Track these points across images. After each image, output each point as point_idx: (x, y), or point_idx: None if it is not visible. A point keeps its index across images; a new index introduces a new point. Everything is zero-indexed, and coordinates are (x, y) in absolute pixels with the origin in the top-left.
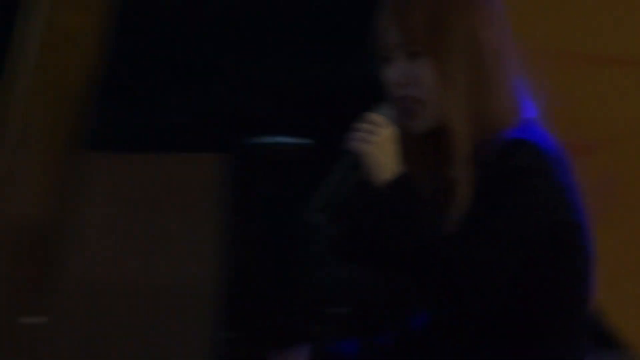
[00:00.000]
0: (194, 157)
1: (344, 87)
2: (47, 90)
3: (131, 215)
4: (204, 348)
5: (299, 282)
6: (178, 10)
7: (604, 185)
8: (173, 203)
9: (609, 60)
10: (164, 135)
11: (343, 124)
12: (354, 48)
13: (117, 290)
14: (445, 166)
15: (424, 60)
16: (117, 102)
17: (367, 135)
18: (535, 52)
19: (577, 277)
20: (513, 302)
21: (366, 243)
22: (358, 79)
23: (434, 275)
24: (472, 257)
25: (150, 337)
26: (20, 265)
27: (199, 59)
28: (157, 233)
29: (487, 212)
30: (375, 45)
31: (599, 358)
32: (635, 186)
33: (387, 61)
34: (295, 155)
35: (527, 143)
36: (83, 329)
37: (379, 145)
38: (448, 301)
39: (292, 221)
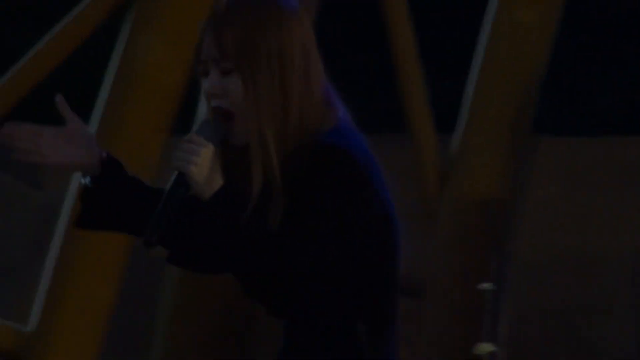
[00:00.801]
0: (631, 140)
1: None
2: (495, 77)
3: (571, 193)
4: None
5: None
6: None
7: None
8: (610, 182)
9: None
10: (596, 118)
11: None
12: None
13: (555, 262)
14: (262, 177)
15: (234, 75)
16: (556, 89)
17: (189, 155)
18: None
19: (391, 264)
20: (335, 291)
21: (199, 255)
22: None
23: (265, 275)
24: (298, 256)
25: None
26: (476, 236)
27: (624, 47)
28: (592, 211)
29: (306, 216)
30: (196, 59)
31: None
32: None
33: (205, 74)
34: None
35: (338, 150)
36: (524, 295)
37: (201, 164)
38: (280, 298)
39: None
